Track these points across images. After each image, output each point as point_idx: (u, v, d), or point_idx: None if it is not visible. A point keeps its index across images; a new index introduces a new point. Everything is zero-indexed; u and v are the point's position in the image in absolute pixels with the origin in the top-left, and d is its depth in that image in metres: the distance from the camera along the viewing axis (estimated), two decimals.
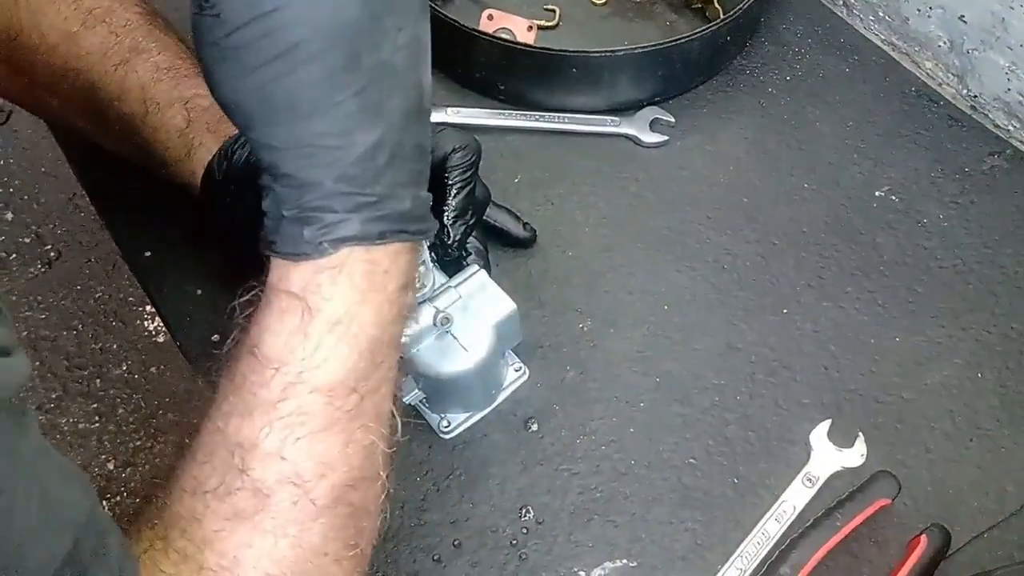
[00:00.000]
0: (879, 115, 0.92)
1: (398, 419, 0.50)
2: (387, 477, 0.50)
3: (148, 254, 0.84)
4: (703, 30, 0.88)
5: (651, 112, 0.91)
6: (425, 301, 0.69)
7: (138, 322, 1.96)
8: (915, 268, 0.82)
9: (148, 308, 1.94)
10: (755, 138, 0.91)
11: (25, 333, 1.93)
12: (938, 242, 0.83)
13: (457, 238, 0.71)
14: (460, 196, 0.71)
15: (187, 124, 0.72)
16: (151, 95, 0.73)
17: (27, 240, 2.10)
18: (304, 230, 0.44)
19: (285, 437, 0.45)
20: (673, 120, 0.91)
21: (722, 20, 0.90)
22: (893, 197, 0.86)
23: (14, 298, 1.99)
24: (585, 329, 0.79)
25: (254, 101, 0.43)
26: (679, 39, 0.87)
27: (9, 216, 2.13)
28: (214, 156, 0.71)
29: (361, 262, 0.46)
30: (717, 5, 0.97)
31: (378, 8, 0.42)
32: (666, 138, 0.90)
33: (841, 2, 1.01)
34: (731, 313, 0.79)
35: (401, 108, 0.45)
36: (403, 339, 0.51)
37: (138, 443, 1.80)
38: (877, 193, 0.86)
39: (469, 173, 0.72)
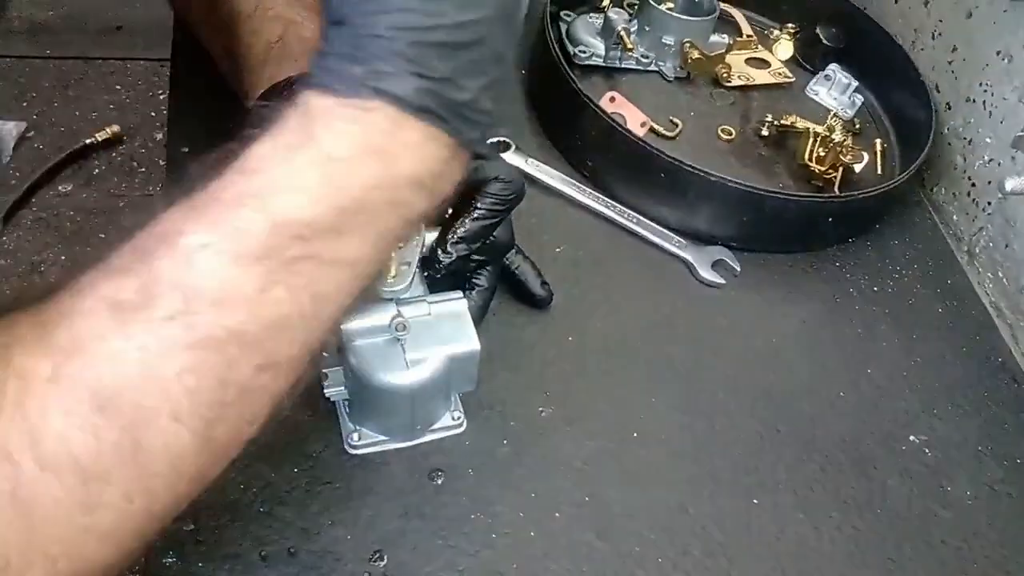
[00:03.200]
0: (952, 367, 0.83)
1: (334, 339, 0.45)
2: (302, 359, 0.42)
3: None
4: (805, 196, 0.83)
5: (719, 251, 0.85)
6: (392, 300, 0.64)
7: None
8: (915, 530, 0.71)
9: None
10: (813, 326, 0.83)
11: None
12: (952, 516, 0.73)
13: (450, 259, 0.66)
14: (477, 223, 0.67)
15: (278, 40, 0.72)
16: (264, 2, 0.73)
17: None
18: (353, 67, 0.40)
19: (208, 243, 0.38)
20: (738, 269, 0.84)
21: (827, 198, 0.84)
22: (926, 450, 0.77)
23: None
24: (544, 415, 0.71)
25: None
26: (775, 192, 0.82)
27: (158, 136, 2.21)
28: (279, 82, 0.70)
29: (387, 120, 0.40)
30: (837, 191, 0.91)
31: None
32: (723, 282, 0.83)
33: (966, 248, 0.94)
34: (700, 475, 0.71)
35: (495, 4, 0.41)
36: (399, 241, 0.44)
37: None
38: (912, 438, 0.77)
39: (499, 207, 0.68)
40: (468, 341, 0.65)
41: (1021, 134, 0.77)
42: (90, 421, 0.36)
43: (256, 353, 0.39)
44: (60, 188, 2.06)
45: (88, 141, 2.11)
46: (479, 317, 0.70)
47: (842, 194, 0.86)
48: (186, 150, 0.82)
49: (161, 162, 2.11)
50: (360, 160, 0.40)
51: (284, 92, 0.68)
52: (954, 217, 0.96)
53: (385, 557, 0.62)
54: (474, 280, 0.71)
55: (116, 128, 2.15)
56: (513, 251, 0.76)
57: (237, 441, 0.41)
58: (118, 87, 2.30)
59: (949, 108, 0.97)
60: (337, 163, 0.40)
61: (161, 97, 2.28)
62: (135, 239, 0.39)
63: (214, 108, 0.77)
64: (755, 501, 0.70)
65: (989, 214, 0.91)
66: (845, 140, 0.91)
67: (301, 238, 0.39)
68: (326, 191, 0.40)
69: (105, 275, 0.38)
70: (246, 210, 0.39)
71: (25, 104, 2.20)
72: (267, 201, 0.39)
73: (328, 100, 0.40)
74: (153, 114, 2.25)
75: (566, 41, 1.00)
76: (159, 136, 2.19)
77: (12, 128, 2.10)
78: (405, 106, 0.40)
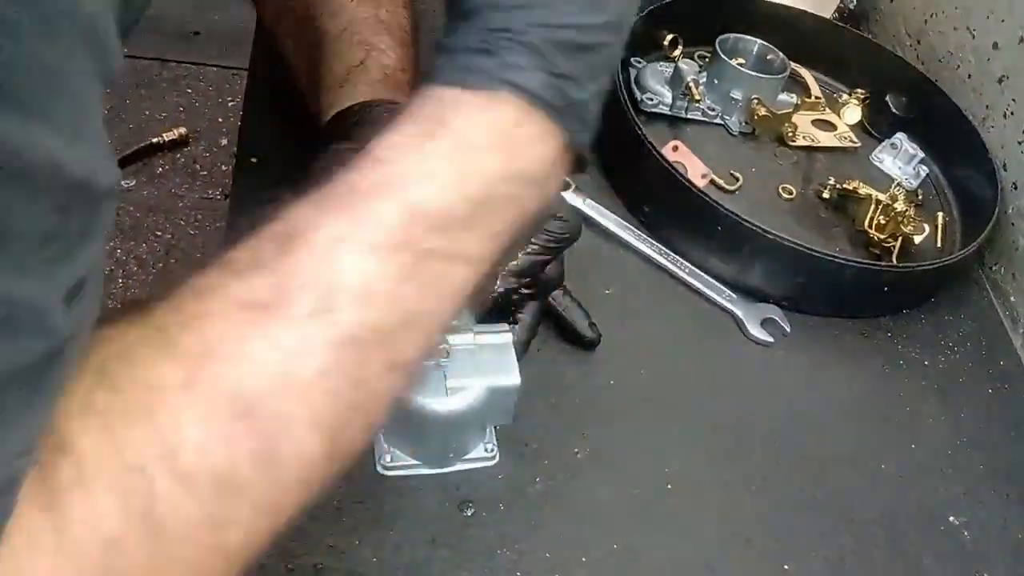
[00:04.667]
0: (998, 450, 0.81)
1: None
2: (410, 375, 0.40)
3: None
4: (861, 263, 0.82)
5: (770, 310, 0.84)
6: None
7: None
8: None
9: None
10: (859, 394, 0.82)
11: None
12: None
13: (500, 291, 0.67)
14: (530, 257, 0.68)
15: (359, 64, 0.73)
16: (351, 27, 0.75)
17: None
18: (485, 60, 0.40)
19: (346, 236, 0.37)
20: (788, 329, 0.84)
21: (884, 267, 0.83)
22: (965, 532, 0.75)
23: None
24: (579, 456, 0.71)
25: None
26: (833, 255, 0.81)
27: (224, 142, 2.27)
28: (354, 106, 0.71)
29: (515, 111, 0.40)
30: (895, 260, 0.90)
31: None
32: (771, 341, 0.82)
33: (1022, 330, 0.92)
34: (730, 534, 0.70)
35: (620, 10, 0.43)
36: (511, 240, 0.43)
37: None
38: (951, 519, 0.75)
39: (553, 244, 0.68)
40: (509, 374, 0.65)
41: None
42: (228, 430, 0.34)
43: (389, 350, 0.38)
44: (123, 183, 2.11)
45: (155, 140, 2.17)
46: (521, 352, 0.70)
47: (900, 264, 0.85)
48: (254, 160, 0.84)
49: (224, 167, 2.15)
50: (488, 151, 0.40)
51: (357, 118, 0.68)
52: (1012, 298, 0.94)
53: None
54: (518, 315, 0.71)
55: (183, 130, 2.20)
56: (561, 292, 0.76)
57: (353, 451, 0.39)
58: (189, 90, 2.36)
59: (1015, 188, 0.96)
60: (468, 152, 0.40)
61: (230, 104, 2.33)
62: (261, 236, 0.37)
63: (287, 122, 0.79)
64: (785, 567, 0.69)
65: None
66: (907, 210, 0.90)
67: (435, 229, 0.38)
68: (458, 180, 0.39)
69: (233, 274, 0.36)
70: (382, 200, 0.38)
71: None
72: (401, 191, 0.38)
73: (457, 91, 0.40)
74: (220, 119, 2.30)
75: (634, 87, 1.01)
76: (224, 142, 2.24)
77: None
78: (532, 99, 0.40)
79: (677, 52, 1.03)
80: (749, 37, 1.03)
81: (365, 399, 0.38)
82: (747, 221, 0.81)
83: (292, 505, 0.37)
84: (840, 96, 1.09)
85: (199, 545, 0.33)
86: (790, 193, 0.96)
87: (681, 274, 0.85)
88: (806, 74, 1.10)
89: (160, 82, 2.35)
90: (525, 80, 0.40)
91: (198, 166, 2.20)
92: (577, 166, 0.45)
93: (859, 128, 1.07)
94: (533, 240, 0.67)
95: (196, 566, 0.34)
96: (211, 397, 0.33)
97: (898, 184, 0.95)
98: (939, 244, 0.95)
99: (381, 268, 0.37)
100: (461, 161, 0.39)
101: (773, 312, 0.84)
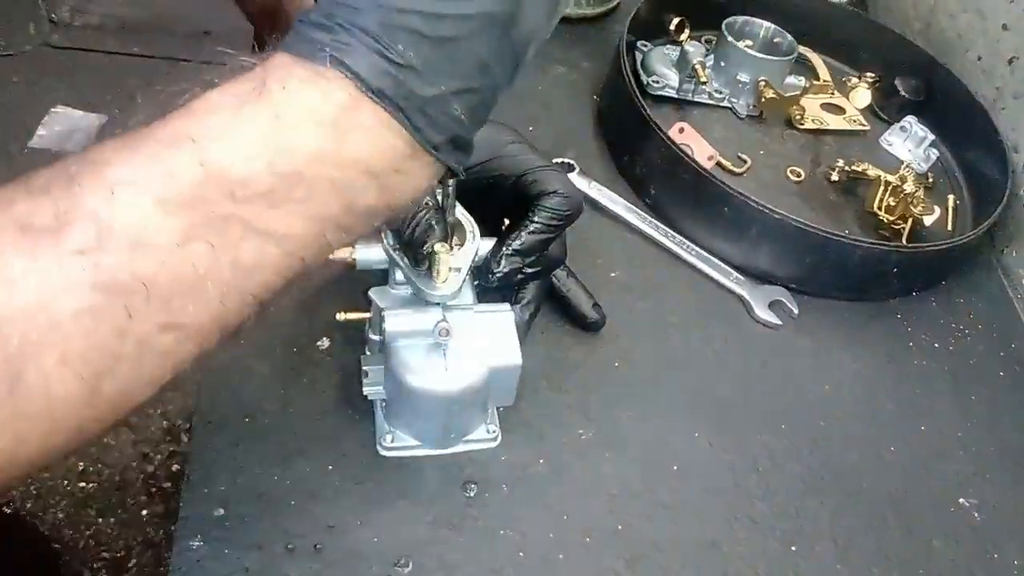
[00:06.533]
0: (1008, 432, 0.80)
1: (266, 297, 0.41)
2: (212, 330, 0.39)
3: None
4: (871, 243, 0.81)
5: (778, 292, 0.83)
6: (439, 305, 0.64)
7: None
8: None
9: None
10: (868, 376, 0.81)
11: None
12: None
13: (504, 271, 0.66)
14: (533, 236, 0.66)
15: None
16: None
17: None
18: (319, 33, 0.39)
19: (134, 180, 0.36)
20: (796, 312, 0.83)
21: (894, 247, 0.82)
22: (976, 514, 0.74)
23: None
24: (583, 437, 0.70)
25: None
26: (841, 236, 0.80)
27: None
28: None
29: (345, 94, 0.38)
30: (904, 242, 0.89)
31: None
32: (779, 323, 0.82)
33: None
34: (737, 515, 0.69)
35: (484, 8, 0.40)
36: (340, 231, 0.41)
37: None
38: (962, 500, 0.74)
39: (555, 222, 0.67)
40: (511, 355, 0.64)
41: None
42: None
43: (161, 309, 0.36)
44: None
45: None
46: (524, 332, 0.69)
47: (908, 245, 0.84)
48: None
49: None
50: (307, 126, 0.38)
51: None
52: (1023, 281, 0.93)
53: (410, 563, 0.61)
54: (520, 294, 0.70)
55: None
56: (564, 273, 0.75)
57: (127, 402, 0.38)
58: (200, 89, 2.36)
59: None
60: (283, 125, 0.38)
61: None
62: (64, 161, 0.37)
63: None
64: (793, 548, 0.68)
65: None
66: (917, 191, 0.89)
67: (232, 196, 0.37)
68: (266, 150, 0.38)
69: (24, 193, 0.35)
70: (180, 153, 0.36)
71: (109, 99, 2.26)
72: (204, 147, 0.37)
73: (287, 58, 0.39)
74: None
75: (640, 70, 1.00)
76: None
77: (94, 120, 2.16)
78: (361, 83, 0.38)
79: (684, 35, 1.02)
80: (757, 20, 1.02)
81: (134, 352, 0.36)
82: (755, 202, 0.80)
83: (37, 438, 0.35)
84: (849, 80, 1.08)
85: None
86: (798, 176, 0.95)
87: (688, 256, 0.84)
88: (814, 57, 1.09)
89: (171, 81, 2.35)
90: (353, 61, 0.38)
91: None
92: (448, 170, 0.43)
93: (868, 111, 1.06)
94: (535, 219, 0.67)
95: None
96: None
97: (908, 167, 0.94)
98: (950, 227, 0.94)
99: (163, 222, 0.36)
100: (275, 132, 0.38)
101: (781, 294, 0.83)
